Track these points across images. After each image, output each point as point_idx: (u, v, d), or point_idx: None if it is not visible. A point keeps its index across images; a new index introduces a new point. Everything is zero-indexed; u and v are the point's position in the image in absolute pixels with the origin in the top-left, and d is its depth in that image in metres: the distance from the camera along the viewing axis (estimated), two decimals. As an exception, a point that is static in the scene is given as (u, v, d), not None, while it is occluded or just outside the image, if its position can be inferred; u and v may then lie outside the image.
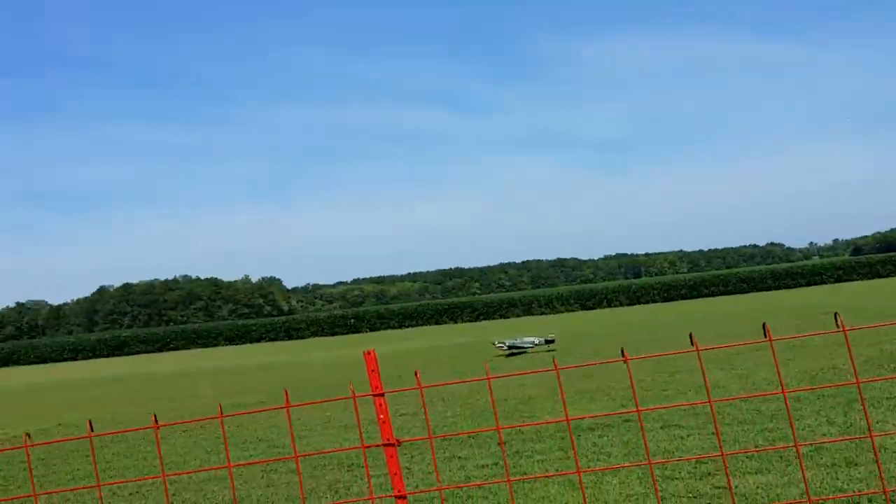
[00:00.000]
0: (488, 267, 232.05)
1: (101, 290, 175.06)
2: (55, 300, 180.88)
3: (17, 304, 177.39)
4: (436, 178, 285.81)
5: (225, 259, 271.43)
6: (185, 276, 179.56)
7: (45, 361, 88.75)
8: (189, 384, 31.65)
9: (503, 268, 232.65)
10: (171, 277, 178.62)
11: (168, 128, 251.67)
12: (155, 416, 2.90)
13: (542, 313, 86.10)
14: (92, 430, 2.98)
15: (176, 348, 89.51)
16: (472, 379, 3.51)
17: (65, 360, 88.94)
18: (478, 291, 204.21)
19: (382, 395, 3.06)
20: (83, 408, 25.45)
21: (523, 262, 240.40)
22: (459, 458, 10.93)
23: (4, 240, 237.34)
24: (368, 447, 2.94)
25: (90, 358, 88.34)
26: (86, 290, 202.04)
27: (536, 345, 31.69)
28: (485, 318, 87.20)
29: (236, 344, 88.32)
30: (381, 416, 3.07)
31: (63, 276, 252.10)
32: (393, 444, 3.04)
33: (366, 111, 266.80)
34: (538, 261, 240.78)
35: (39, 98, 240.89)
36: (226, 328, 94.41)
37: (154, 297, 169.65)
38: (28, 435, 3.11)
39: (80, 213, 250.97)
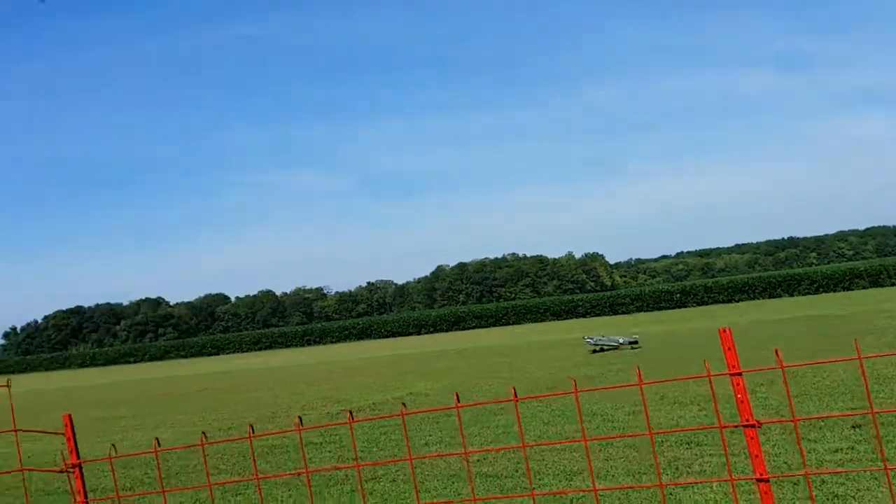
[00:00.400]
0: (825, 235, 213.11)
1: (439, 270, 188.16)
2: (400, 280, 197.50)
3: (368, 283, 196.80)
4: (763, 142, 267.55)
5: (550, 236, 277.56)
6: (513, 254, 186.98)
7: (392, 335, 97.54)
8: (522, 357, 32.97)
9: (842, 236, 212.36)
10: (500, 256, 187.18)
11: (495, 112, 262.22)
12: (514, 388, 3.08)
13: (892, 284, 77.43)
14: (458, 401, 3.25)
15: (507, 323, 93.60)
16: (842, 358, 3.25)
17: (409, 334, 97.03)
18: (815, 262, 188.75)
19: (740, 374, 2.98)
20: (430, 378, 27.59)
21: (866, 230, 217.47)
22: (809, 440, 10.27)
23: (355, 227, 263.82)
24: (726, 427, 2.88)
25: (431, 332, 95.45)
26: (426, 270, 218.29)
27: (621, 344, 32.64)
28: (824, 291, 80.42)
29: (562, 319, 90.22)
30: (739, 396, 2.99)
31: (406, 258, 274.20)
32: (753, 426, 2.95)
33: (681, 79, 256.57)
34: (885, 227, 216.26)
35: (375, 93, 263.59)
36: (552, 303, 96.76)
37: (485, 275, 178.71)
38: (404, 404, 3.46)
39: (419, 198, 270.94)
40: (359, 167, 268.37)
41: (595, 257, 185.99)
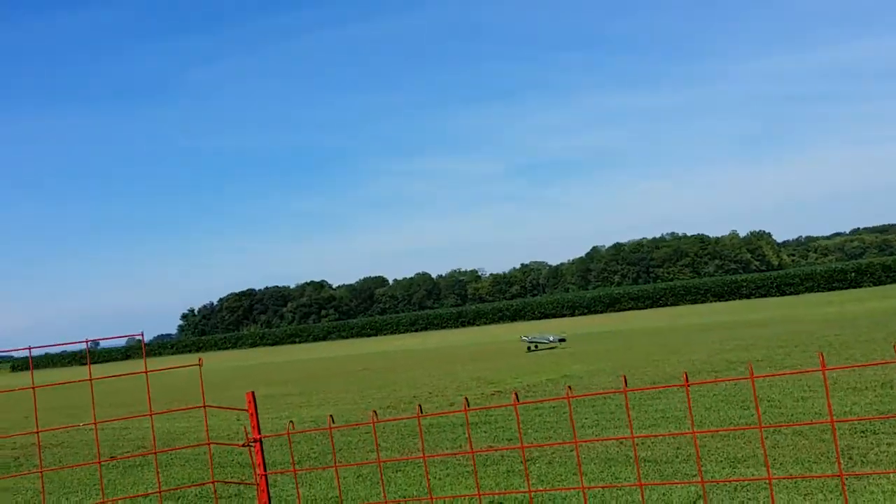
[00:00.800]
0: None
1: (594, 250, 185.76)
2: (553, 261, 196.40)
3: (522, 265, 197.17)
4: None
5: (712, 215, 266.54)
6: (672, 233, 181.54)
7: (546, 317, 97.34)
8: (680, 340, 32.13)
9: None
10: (658, 236, 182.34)
11: (650, 89, 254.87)
12: (686, 374, 3.04)
13: None
14: (626, 384, 3.24)
15: (664, 304, 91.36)
16: None
17: (563, 315, 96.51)
18: None
19: (925, 362, 2.81)
20: (585, 360, 27.39)
21: None
22: None
23: (509, 209, 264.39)
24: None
25: (585, 314, 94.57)
26: (580, 251, 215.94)
27: (551, 341, 36.39)
28: None
29: (724, 300, 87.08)
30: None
31: (560, 239, 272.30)
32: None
33: (846, 48, 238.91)
34: None
35: (529, 77, 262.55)
36: (713, 284, 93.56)
37: (642, 256, 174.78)
38: (569, 387, 3.48)
39: (574, 179, 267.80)
40: (514, 150, 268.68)
41: (761, 235, 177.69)
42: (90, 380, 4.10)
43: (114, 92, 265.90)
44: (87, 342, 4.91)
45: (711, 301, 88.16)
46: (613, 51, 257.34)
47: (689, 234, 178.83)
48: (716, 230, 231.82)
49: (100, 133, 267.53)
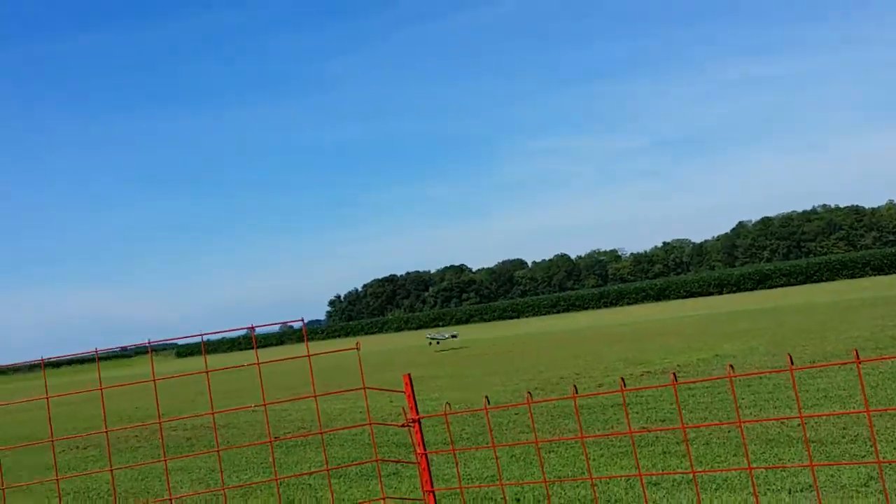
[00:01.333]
0: None
1: (740, 226, 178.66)
2: (697, 238, 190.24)
3: (664, 243, 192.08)
4: None
5: (866, 184, 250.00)
6: (824, 205, 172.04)
7: (691, 296, 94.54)
8: (838, 316, 30.49)
9: None
10: (809, 208, 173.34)
11: (793, 55, 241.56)
12: (856, 350, 2.89)
13: None
14: (791, 363, 3.12)
15: (819, 280, 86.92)
16: None
17: (709, 294, 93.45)
18: None
19: None
20: (736, 339, 26.48)
21: None
22: None
23: (648, 185, 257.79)
24: None
25: (733, 292, 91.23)
26: (725, 227, 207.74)
27: (446, 338, 45.13)
28: None
29: (884, 274, 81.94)
30: None
31: (704, 215, 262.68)
32: None
33: None
34: None
35: (669, 49, 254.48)
36: (872, 257, 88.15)
37: (792, 230, 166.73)
38: (731, 367, 3.38)
39: (716, 153, 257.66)
40: (654, 125, 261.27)
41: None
42: (258, 364, 4.32)
43: (255, 87, 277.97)
44: (251, 328, 5.17)
45: (870, 275, 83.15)
46: (752, 17, 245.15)
47: (841, 205, 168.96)
48: (871, 200, 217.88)
49: (254, 129, 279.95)
